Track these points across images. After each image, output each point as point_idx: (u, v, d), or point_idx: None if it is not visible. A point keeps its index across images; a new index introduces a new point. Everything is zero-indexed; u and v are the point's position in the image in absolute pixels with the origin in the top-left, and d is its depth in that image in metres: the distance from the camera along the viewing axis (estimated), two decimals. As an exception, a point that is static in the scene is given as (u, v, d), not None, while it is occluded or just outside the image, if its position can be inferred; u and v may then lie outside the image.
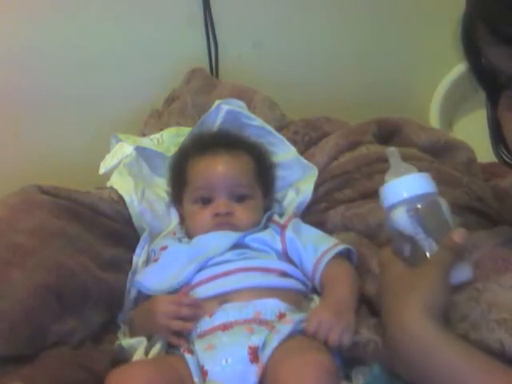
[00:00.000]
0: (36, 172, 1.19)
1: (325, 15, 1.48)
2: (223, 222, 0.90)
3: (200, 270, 0.85)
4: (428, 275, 0.63)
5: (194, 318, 0.78)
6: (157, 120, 1.26)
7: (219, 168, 0.93)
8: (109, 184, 1.03)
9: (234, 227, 0.90)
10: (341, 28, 1.52)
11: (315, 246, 0.87)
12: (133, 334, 0.84)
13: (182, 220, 0.98)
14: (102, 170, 1.06)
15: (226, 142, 0.97)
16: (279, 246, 0.90)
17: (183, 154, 1.00)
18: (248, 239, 0.89)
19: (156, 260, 0.91)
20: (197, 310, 0.79)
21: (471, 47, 0.62)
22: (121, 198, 0.99)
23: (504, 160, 0.69)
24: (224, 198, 0.91)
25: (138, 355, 0.76)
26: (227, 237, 0.88)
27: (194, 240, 0.90)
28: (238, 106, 1.09)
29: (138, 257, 0.92)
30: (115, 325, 0.88)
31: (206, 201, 0.92)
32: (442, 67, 1.58)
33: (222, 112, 1.06)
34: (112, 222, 0.96)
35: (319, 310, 0.78)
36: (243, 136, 1.02)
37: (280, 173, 1.04)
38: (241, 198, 0.92)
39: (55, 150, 1.36)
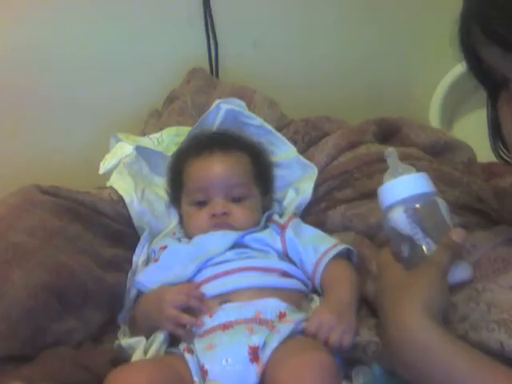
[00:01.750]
0: (36, 172, 1.19)
1: (325, 15, 1.48)
2: (220, 222, 0.90)
3: (200, 269, 0.85)
4: (426, 275, 0.63)
5: (200, 313, 0.78)
6: (157, 120, 1.26)
7: (215, 168, 0.92)
8: (108, 184, 1.03)
9: (231, 227, 0.90)
10: (341, 28, 1.52)
11: (315, 246, 0.87)
12: (134, 330, 0.84)
13: (182, 220, 0.98)
14: (101, 170, 1.06)
15: (222, 142, 0.97)
16: (279, 246, 0.90)
17: (180, 155, 1.00)
18: (248, 239, 0.89)
19: (156, 260, 0.90)
20: (203, 304, 0.79)
21: (467, 47, 0.63)
22: (121, 197, 0.99)
23: (501, 157, 0.70)
24: (220, 198, 0.91)
25: (138, 355, 0.76)
26: (227, 236, 0.88)
27: (194, 240, 0.90)
28: (238, 105, 1.08)
29: (138, 256, 0.92)
30: (115, 325, 0.88)
31: (203, 202, 0.92)
32: (442, 67, 1.58)
33: (221, 112, 1.06)
34: (112, 221, 0.96)
35: (320, 310, 0.78)
36: (240, 135, 1.01)
37: (280, 172, 1.03)
38: (237, 198, 0.92)
39: (55, 149, 1.36)
